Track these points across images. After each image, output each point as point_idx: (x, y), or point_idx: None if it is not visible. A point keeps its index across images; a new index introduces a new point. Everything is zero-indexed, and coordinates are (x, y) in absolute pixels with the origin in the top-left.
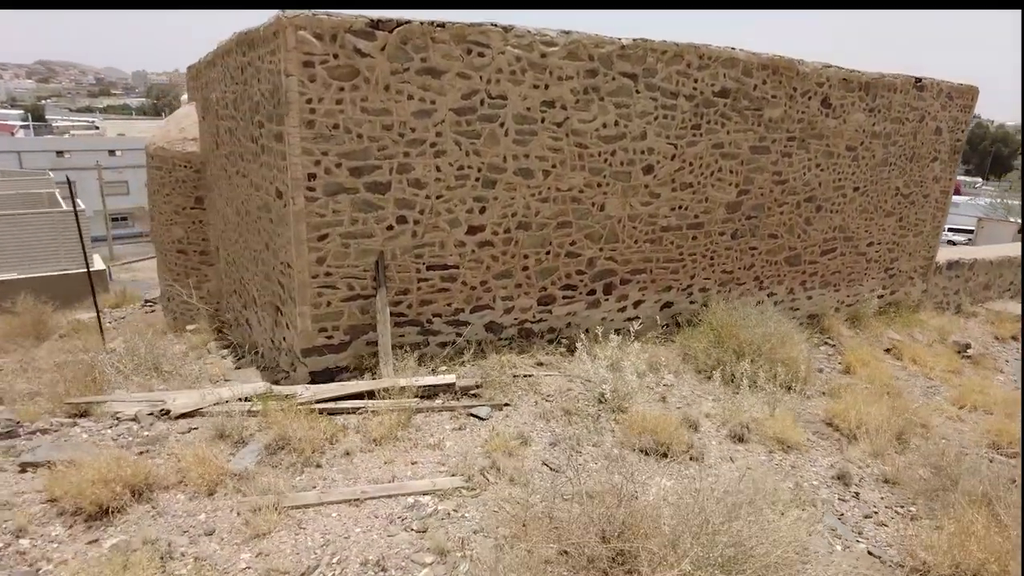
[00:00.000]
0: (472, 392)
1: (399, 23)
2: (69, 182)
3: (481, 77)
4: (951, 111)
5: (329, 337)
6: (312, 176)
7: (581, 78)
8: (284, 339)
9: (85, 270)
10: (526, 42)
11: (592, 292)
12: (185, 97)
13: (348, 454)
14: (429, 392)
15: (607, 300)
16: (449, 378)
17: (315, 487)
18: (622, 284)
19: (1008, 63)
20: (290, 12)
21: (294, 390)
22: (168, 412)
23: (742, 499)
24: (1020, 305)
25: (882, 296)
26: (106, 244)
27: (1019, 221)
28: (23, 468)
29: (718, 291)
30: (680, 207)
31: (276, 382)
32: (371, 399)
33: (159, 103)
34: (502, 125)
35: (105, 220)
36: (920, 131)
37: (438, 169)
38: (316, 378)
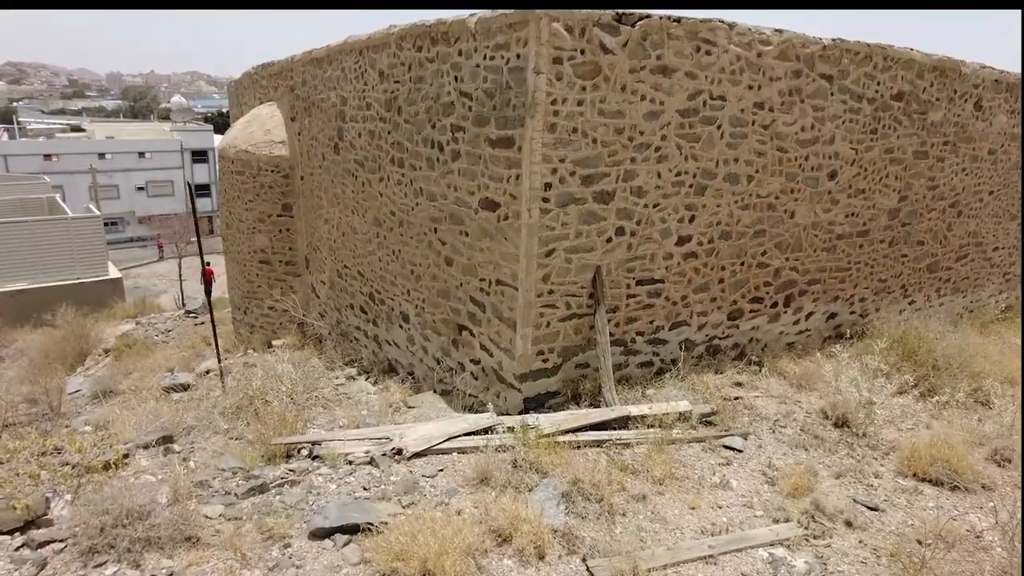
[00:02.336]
0: (707, 420)
1: (641, 17)
2: (190, 186)
3: (706, 77)
4: None
5: (545, 360)
6: (548, 186)
7: (788, 79)
8: (475, 362)
9: (104, 278)
10: (746, 40)
11: (775, 304)
12: (179, 99)
13: (644, 498)
14: (661, 420)
15: (786, 312)
16: (683, 405)
17: (642, 541)
18: (800, 295)
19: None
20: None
21: (529, 420)
22: (400, 451)
23: None
24: None
25: (998, 301)
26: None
27: None
28: (320, 535)
29: (872, 300)
30: (853, 214)
31: (471, 409)
32: (606, 429)
33: (136, 105)
34: (719, 127)
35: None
36: None
37: (659, 175)
38: (528, 405)
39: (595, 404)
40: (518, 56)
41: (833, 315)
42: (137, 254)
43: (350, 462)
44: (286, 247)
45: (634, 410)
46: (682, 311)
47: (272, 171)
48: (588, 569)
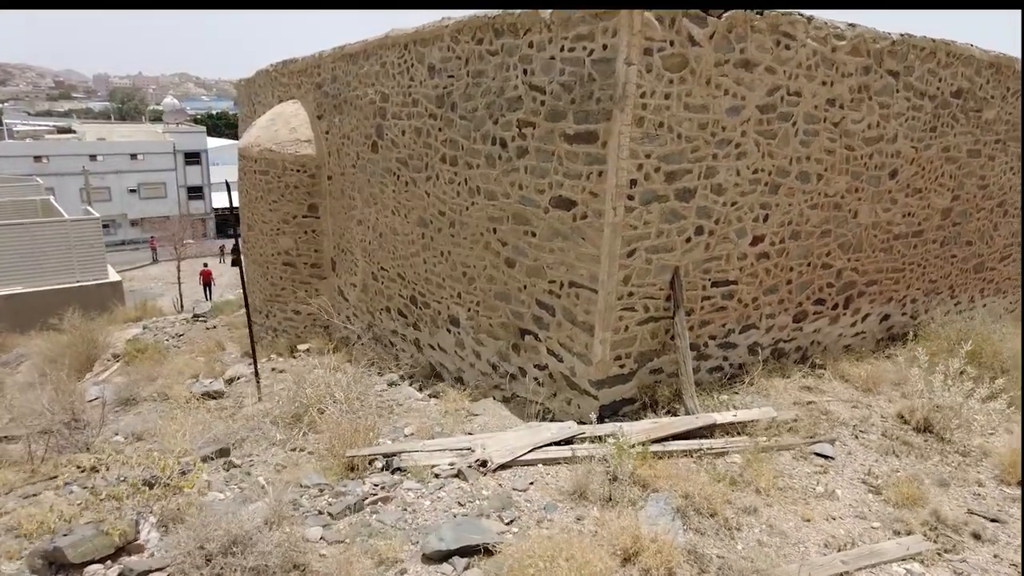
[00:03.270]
0: (790, 427)
1: (714, 10)
2: (228, 185)
3: (784, 72)
4: None
5: (621, 366)
6: (633, 182)
7: (858, 75)
8: (541, 367)
9: (103, 281)
10: (822, 34)
11: (835, 306)
12: (171, 100)
13: (754, 511)
14: (743, 427)
15: (845, 314)
16: (768, 412)
17: (768, 557)
18: (858, 297)
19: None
20: None
21: (613, 430)
22: (484, 463)
23: None
24: None
25: None
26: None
27: None
28: (436, 558)
29: (922, 302)
30: (909, 214)
31: (538, 416)
32: (690, 438)
33: (124, 107)
34: (794, 124)
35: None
36: None
37: (737, 173)
38: (602, 412)
39: (672, 412)
40: (604, 47)
41: (887, 316)
42: (129, 257)
43: (436, 475)
44: (311, 249)
45: (719, 418)
46: (752, 313)
47: (298, 171)
48: None
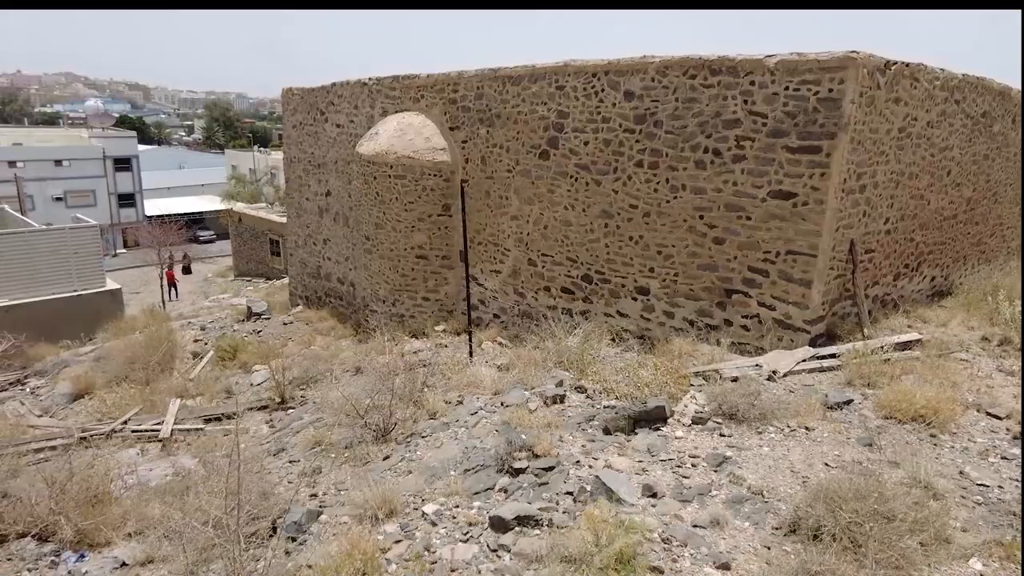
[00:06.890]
0: (929, 344)
1: (890, 64)
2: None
3: (911, 104)
4: None
5: (824, 309)
6: (844, 181)
7: (942, 103)
8: (749, 316)
9: (102, 289)
10: (929, 77)
11: (912, 269)
12: (95, 103)
13: (962, 383)
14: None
15: (915, 276)
16: (915, 335)
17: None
18: (923, 263)
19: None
20: (862, 52)
21: (836, 350)
22: (775, 372)
23: None
24: None
25: (1005, 269)
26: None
27: None
28: (835, 407)
29: (951, 267)
30: (952, 202)
31: (747, 352)
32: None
33: (6, 109)
34: (911, 139)
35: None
36: None
37: (885, 174)
38: (809, 344)
39: (848, 341)
40: (831, 90)
41: (933, 278)
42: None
43: (755, 379)
44: (443, 243)
45: (895, 339)
46: (877, 273)
47: (435, 175)
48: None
